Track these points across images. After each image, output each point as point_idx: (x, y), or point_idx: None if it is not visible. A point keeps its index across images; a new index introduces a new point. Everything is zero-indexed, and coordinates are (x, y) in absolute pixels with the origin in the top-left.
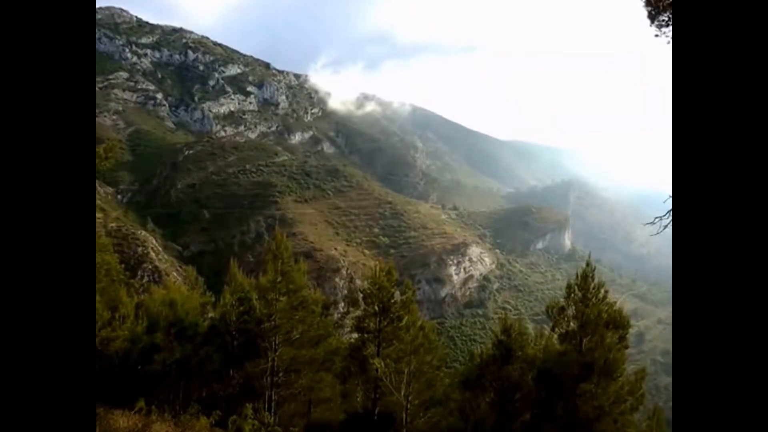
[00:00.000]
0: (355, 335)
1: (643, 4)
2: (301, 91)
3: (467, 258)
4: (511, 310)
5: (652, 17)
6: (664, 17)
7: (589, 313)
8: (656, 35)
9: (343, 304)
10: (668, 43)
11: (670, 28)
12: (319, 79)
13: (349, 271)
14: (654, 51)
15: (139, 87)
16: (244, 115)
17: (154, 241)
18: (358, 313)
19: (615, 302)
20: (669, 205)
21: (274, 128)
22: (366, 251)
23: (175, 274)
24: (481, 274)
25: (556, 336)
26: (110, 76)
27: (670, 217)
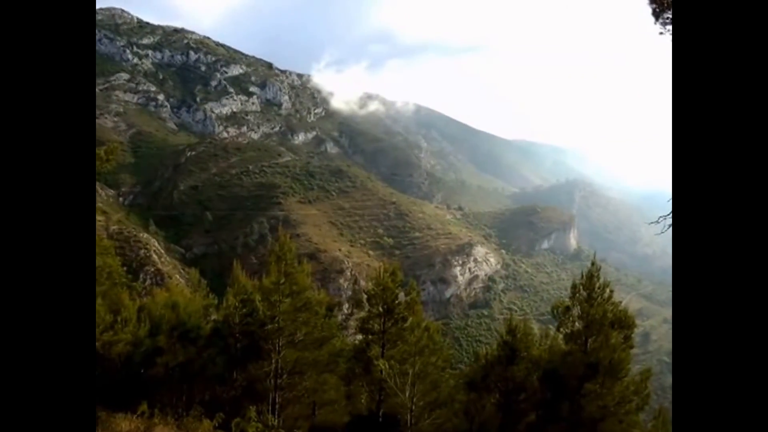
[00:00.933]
0: (360, 337)
1: (647, 1)
2: (304, 91)
3: (472, 258)
4: (516, 311)
5: (657, 15)
6: (669, 15)
7: (594, 312)
8: (660, 33)
9: (347, 305)
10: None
11: None
12: (321, 78)
13: (353, 272)
14: (660, 49)
15: (141, 88)
16: (246, 115)
17: (156, 243)
18: (363, 314)
19: (620, 302)
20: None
21: (277, 129)
22: (370, 252)
23: (177, 276)
24: (486, 275)
25: (561, 336)
26: (111, 78)
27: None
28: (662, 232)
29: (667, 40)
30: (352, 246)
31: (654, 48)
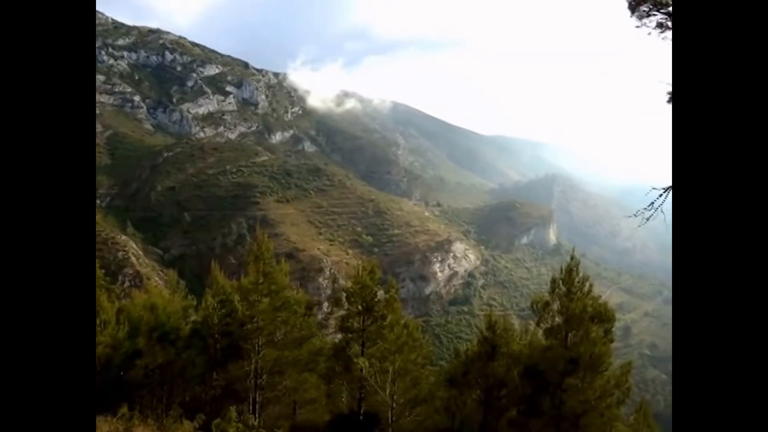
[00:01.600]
0: (340, 335)
1: None
2: (280, 90)
3: (451, 255)
4: (496, 306)
5: (633, 8)
6: (645, 8)
7: (573, 307)
8: (637, 26)
9: (327, 304)
10: (649, 34)
11: (651, 18)
12: (298, 77)
13: (332, 271)
14: (636, 43)
15: (116, 90)
16: (223, 115)
17: (134, 245)
18: (342, 312)
19: (600, 296)
20: (651, 197)
21: (253, 128)
22: (349, 250)
23: (156, 278)
24: (465, 271)
25: (541, 331)
26: None
27: (653, 210)
28: (640, 226)
29: (644, 33)
30: (330, 244)
31: (630, 42)
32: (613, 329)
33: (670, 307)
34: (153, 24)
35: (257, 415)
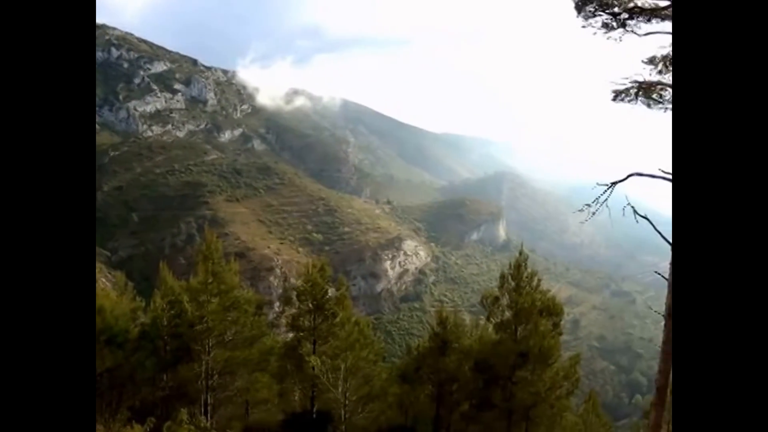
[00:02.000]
0: (291, 334)
1: None
2: (229, 88)
3: (402, 252)
4: (447, 303)
5: (579, 8)
6: (591, 8)
7: (522, 301)
8: (583, 26)
9: (278, 303)
10: (594, 34)
11: (597, 18)
12: (247, 74)
13: (283, 270)
14: (581, 43)
15: None
16: (171, 113)
17: None
18: (293, 311)
19: (549, 290)
20: (597, 192)
21: (202, 126)
22: (300, 249)
23: (104, 280)
24: (416, 268)
25: (491, 326)
26: None
27: (598, 205)
28: (586, 221)
29: (589, 32)
30: (281, 243)
31: (580, 42)
32: (562, 322)
33: (617, 300)
34: (98, 19)
35: (209, 417)
